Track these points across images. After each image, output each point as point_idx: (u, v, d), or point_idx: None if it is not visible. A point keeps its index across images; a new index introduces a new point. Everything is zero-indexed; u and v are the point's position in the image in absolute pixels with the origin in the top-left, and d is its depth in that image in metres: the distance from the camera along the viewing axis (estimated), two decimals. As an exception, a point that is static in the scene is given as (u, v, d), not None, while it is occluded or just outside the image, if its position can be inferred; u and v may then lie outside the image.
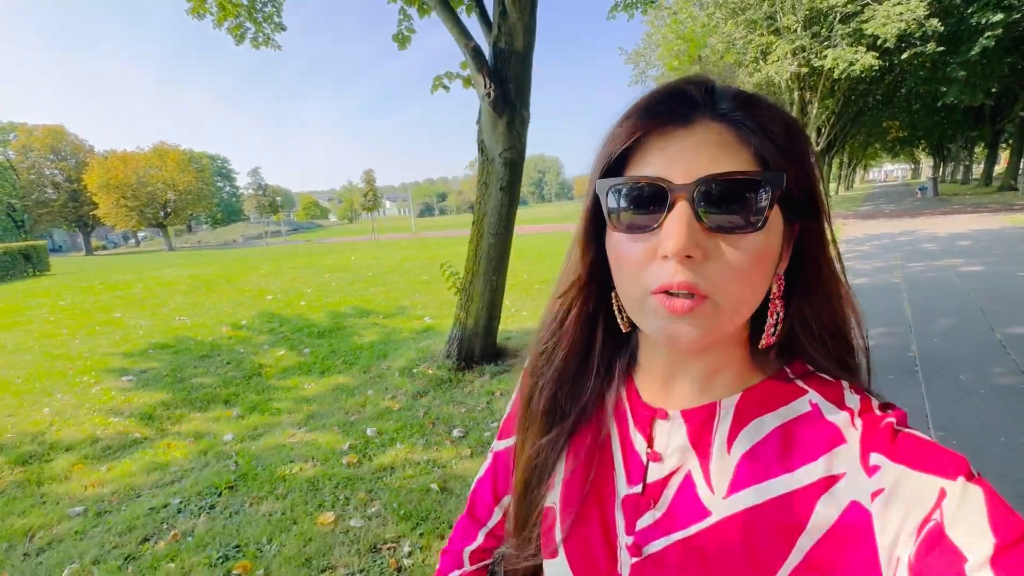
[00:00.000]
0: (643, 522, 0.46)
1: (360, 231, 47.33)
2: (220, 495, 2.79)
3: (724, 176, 0.37)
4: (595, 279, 0.48)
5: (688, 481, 0.45)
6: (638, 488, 0.47)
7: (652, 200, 0.39)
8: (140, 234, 62.82)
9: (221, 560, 2.25)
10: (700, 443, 0.46)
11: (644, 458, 0.48)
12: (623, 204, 0.41)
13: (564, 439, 0.52)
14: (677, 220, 0.37)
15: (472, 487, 0.65)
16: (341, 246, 25.76)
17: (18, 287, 14.37)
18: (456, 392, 4.04)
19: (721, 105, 0.40)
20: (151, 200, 40.73)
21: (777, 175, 0.38)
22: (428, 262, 13.38)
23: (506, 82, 4.05)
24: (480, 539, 0.63)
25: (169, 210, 42.57)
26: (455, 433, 3.31)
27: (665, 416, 0.48)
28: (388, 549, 2.25)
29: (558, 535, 0.50)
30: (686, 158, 0.39)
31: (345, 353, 5.22)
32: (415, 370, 4.50)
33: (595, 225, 0.46)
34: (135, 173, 39.61)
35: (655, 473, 0.47)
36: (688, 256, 0.37)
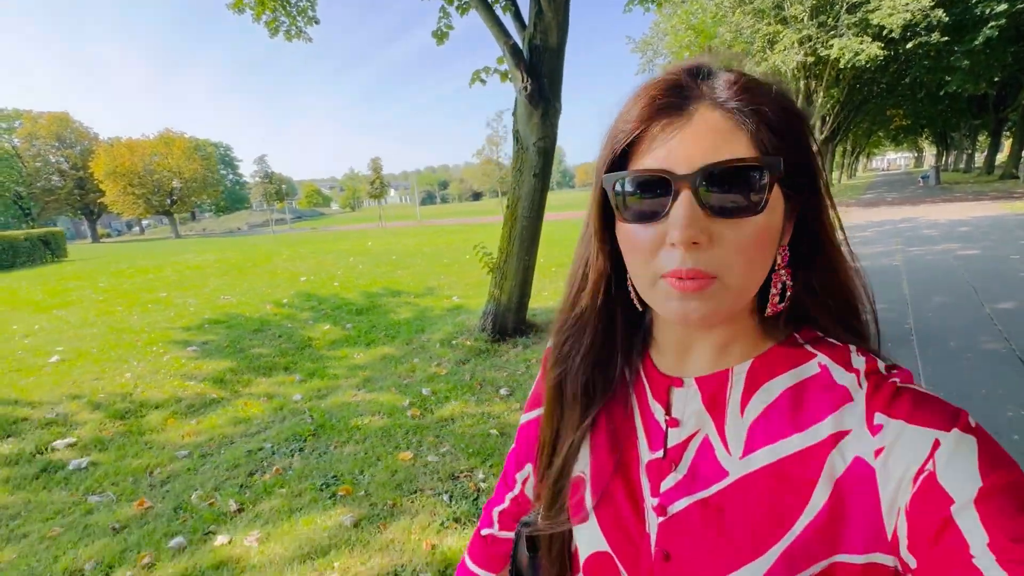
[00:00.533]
0: (666, 484, 0.49)
1: (364, 219, 47.64)
2: (305, 441, 3.23)
3: (724, 164, 0.39)
4: (615, 268, 0.51)
5: (706, 444, 0.48)
6: (660, 453, 0.50)
7: (657, 191, 0.41)
8: (144, 222, 63.18)
9: (325, 486, 2.68)
10: (715, 407, 0.48)
11: (663, 425, 0.51)
12: (630, 196, 0.43)
13: (593, 417, 0.55)
14: (682, 209, 0.39)
15: (507, 455, 0.72)
16: (350, 233, 26.11)
17: (44, 272, 14.80)
18: (495, 360, 4.46)
19: (717, 92, 0.42)
20: (158, 188, 41.03)
21: (775, 159, 0.40)
22: (444, 247, 13.80)
23: (541, 77, 4.40)
24: (506, 503, 0.69)
25: (175, 198, 42.87)
26: (502, 392, 3.74)
27: (680, 384, 0.50)
28: (465, 476, 2.69)
29: (589, 502, 0.53)
30: (686, 148, 0.40)
31: (385, 328, 5.65)
32: (454, 342, 4.92)
33: (606, 218, 0.48)
34: (141, 161, 39.85)
35: (674, 438, 0.50)
36: (695, 243, 0.40)
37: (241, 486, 2.77)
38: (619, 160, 0.45)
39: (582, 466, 0.55)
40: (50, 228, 20.83)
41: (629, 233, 0.44)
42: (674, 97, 0.42)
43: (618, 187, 0.44)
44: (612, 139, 0.45)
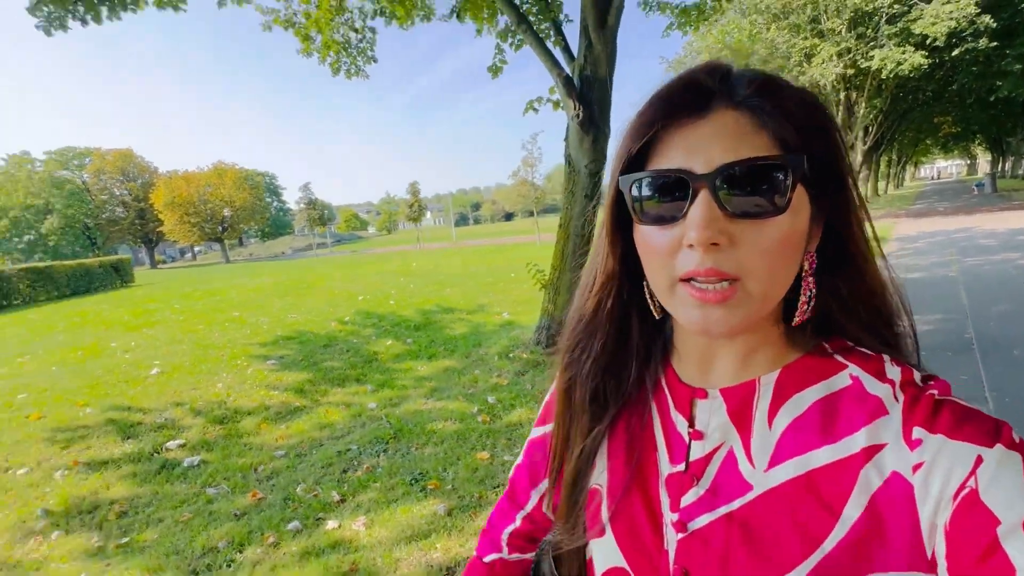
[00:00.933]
0: (687, 499, 0.47)
1: (401, 241, 49.14)
2: (387, 443, 3.53)
3: (744, 162, 0.38)
4: (627, 270, 0.49)
5: (730, 457, 0.46)
6: (681, 467, 0.48)
7: (675, 191, 0.40)
8: (196, 248, 66.98)
9: (414, 481, 2.96)
10: (741, 419, 0.46)
11: (686, 437, 0.49)
12: (647, 197, 0.42)
13: (607, 425, 0.54)
14: (700, 210, 0.38)
15: (512, 472, 0.68)
16: (390, 255, 27.00)
17: (118, 296, 16.04)
18: (552, 372, 4.69)
19: (737, 91, 0.41)
20: (211, 216, 43.61)
21: (797, 157, 0.39)
22: (486, 268, 14.20)
23: (591, 104, 4.71)
24: (518, 522, 0.65)
25: (226, 225, 45.43)
26: (564, 400, 3.96)
27: (704, 395, 0.49)
28: (541, 474, 2.91)
29: (605, 515, 0.51)
30: (705, 148, 0.40)
31: (444, 342, 5.98)
32: (511, 355, 5.18)
33: (620, 219, 0.47)
34: (197, 191, 42.56)
35: (697, 451, 0.48)
36: (714, 244, 0.38)
37: (338, 481, 3.08)
38: (635, 160, 0.44)
39: (599, 478, 0.53)
40: (119, 256, 22.52)
41: (646, 235, 0.44)
42: (692, 96, 0.41)
43: (635, 188, 0.43)
44: (628, 138, 0.44)
